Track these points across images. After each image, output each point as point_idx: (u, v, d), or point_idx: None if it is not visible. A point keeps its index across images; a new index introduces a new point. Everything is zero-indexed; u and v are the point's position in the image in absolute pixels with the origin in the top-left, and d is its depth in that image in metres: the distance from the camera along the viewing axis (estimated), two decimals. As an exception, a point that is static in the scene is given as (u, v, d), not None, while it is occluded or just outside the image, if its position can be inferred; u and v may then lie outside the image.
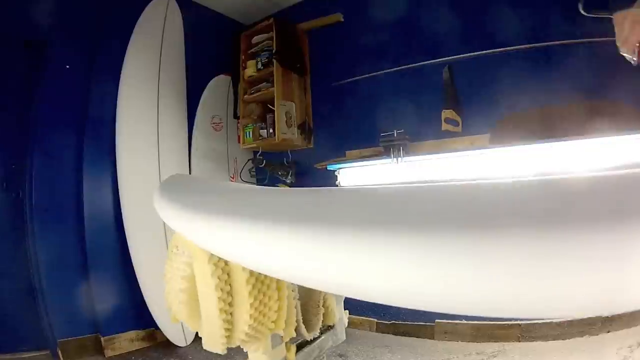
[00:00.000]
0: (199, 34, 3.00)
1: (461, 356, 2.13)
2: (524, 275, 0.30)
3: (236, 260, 0.63)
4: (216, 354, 0.77)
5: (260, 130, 3.03)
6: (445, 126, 2.42)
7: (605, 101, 2.00)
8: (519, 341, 2.14)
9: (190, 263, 0.76)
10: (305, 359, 0.94)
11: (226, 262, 0.72)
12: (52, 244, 2.28)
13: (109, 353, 2.34)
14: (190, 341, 2.55)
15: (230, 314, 0.71)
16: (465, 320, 2.33)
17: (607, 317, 1.98)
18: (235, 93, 3.24)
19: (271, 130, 2.94)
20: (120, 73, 2.53)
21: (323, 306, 0.99)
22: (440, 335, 2.40)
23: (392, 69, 2.67)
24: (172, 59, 2.80)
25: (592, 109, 2.00)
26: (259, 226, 0.50)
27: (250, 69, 3.07)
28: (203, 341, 0.77)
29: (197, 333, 0.92)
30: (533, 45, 2.19)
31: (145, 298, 2.42)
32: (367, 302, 0.42)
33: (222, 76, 3.18)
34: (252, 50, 3.08)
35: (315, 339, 0.98)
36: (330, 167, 2.76)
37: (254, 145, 3.08)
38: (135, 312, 2.48)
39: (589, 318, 2.01)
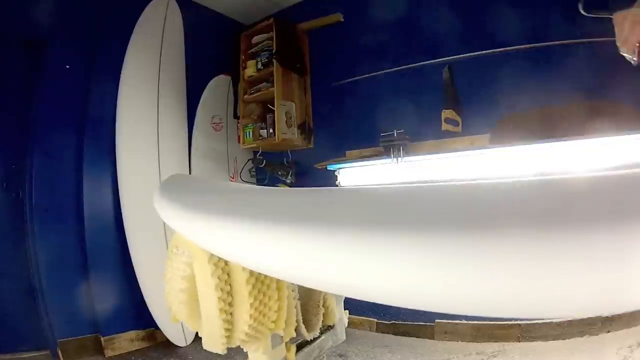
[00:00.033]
0: (199, 34, 3.00)
1: (461, 356, 2.13)
2: (523, 276, 0.30)
3: (236, 260, 0.63)
4: (216, 354, 0.77)
5: (260, 130, 3.03)
6: (445, 126, 2.41)
7: (605, 101, 2.00)
8: (519, 341, 2.14)
9: (190, 263, 0.76)
10: (305, 359, 0.94)
11: (226, 262, 0.72)
12: (52, 244, 2.28)
13: (109, 353, 2.34)
14: (190, 341, 2.54)
15: (231, 314, 0.71)
16: (465, 320, 2.33)
17: (607, 317, 1.98)
18: (235, 93, 3.24)
19: (271, 130, 2.94)
20: (120, 73, 2.53)
21: (323, 306, 0.99)
22: (440, 335, 2.40)
23: (392, 69, 2.67)
24: (172, 58, 2.80)
25: (592, 109, 2.00)
26: (259, 226, 0.50)
27: (250, 69, 3.07)
28: (203, 341, 0.77)
29: (197, 333, 0.92)
30: (533, 45, 2.19)
31: (145, 298, 2.42)
32: (367, 302, 0.42)
33: (222, 76, 3.18)
34: (252, 50, 3.08)
35: (315, 339, 0.98)
36: (330, 167, 2.76)
37: (254, 145, 3.08)
38: (135, 312, 2.48)
39: (589, 318, 2.01)
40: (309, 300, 0.96)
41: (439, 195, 0.49)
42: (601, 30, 1.54)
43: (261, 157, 3.17)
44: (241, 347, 0.78)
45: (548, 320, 2.09)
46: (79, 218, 2.39)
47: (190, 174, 2.84)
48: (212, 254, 0.69)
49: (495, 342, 2.19)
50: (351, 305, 1.15)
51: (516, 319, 2.13)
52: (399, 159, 2.38)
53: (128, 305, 2.47)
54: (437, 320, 2.42)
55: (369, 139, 2.67)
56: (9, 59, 2.31)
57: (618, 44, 1.11)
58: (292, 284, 0.81)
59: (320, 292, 0.97)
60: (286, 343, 0.86)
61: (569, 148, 1.94)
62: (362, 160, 2.66)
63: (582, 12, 1.39)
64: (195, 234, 0.68)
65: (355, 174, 2.75)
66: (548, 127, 2.08)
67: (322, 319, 0.98)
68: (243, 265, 0.67)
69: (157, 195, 0.84)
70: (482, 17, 2.34)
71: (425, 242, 0.33)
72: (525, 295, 0.31)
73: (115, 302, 2.41)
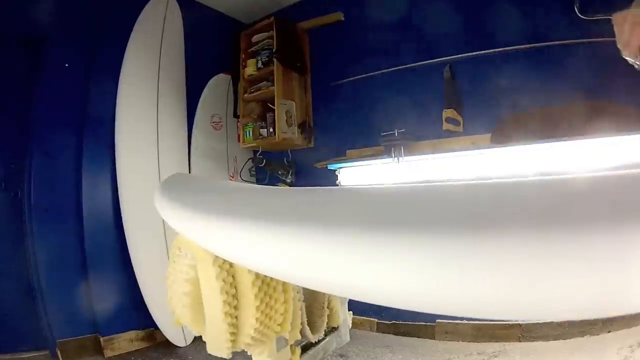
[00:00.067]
0: (198, 33, 2.98)
1: (462, 356, 2.13)
2: (523, 276, 0.30)
3: (235, 260, 0.63)
4: (216, 354, 0.77)
5: (260, 130, 3.02)
6: (446, 126, 2.41)
7: (605, 101, 2.00)
8: (520, 341, 2.15)
9: (194, 265, 0.76)
10: (309, 361, 0.94)
11: (231, 264, 0.71)
12: (51, 244, 2.26)
13: (108, 353, 2.33)
14: (190, 341, 2.54)
15: (236, 317, 0.71)
16: (466, 320, 2.33)
17: (608, 317, 1.98)
18: (235, 92, 3.23)
19: (271, 130, 2.93)
20: (119, 72, 2.51)
21: (328, 307, 0.98)
22: (441, 335, 2.40)
23: (392, 68, 2.66)
24: (172, 57, 2.79)
25: (593, 109, 2.00)
26: (259, 226, 0.49)
27: (250, 68, 3.06)
28: (207, 345, 0.76)
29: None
30: (534, 45, 2.19)
31: (144, 298, 2.41)
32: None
33: (222, 75, 3.17)
34: (252, 49, 3.07)
35: (319, 341, 0.97)
36: (330, 167, 2.76)
37: (254, 144, 3.07)
38: (135, 312, 2.47)
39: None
40: (313, 302, 0.96)
41: (439, 196, 0.49)
42: (601, 31, 1.54)
43: (261, 157, 3.16)
44: (245, 350, 0.78)
45: (549, 320, 2.09)
46: (78, 218, 2.37)
47: (189, 173, 2.83)
48: (216, 256, 0.69)
49: (496, 342, 2.20)
50: (352, 305, 1.15)
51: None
52: (400, 158, 2.38)
53: (127, 305, 2.45)
54: (437, 320, 2.43)
55: (369, 139, 2.67)
56: (9, 58, 2.29)
57: (619, 46, 1.10)
58: (297, 285, 0.81)
59: (325, 293, 0.96)
60: (291, 346, 0.85)
61: (569, 148, 1.95)
62: (362, 160, 2.66)
63: (579, 15, 1.38)
64: (196, 233, 0.68)
65: (356, 173, 2.75)
66: (548, 127, 2.08)
67: (326, 320, 0.97)
68: (242, 264, 0.66)
69: (158, 194, 0.83)
70: (482, 17, 2.33)
71: (425, 243, 0.33)
72: (525, 297, 0.30)
73: (115, 302, 2.40)
